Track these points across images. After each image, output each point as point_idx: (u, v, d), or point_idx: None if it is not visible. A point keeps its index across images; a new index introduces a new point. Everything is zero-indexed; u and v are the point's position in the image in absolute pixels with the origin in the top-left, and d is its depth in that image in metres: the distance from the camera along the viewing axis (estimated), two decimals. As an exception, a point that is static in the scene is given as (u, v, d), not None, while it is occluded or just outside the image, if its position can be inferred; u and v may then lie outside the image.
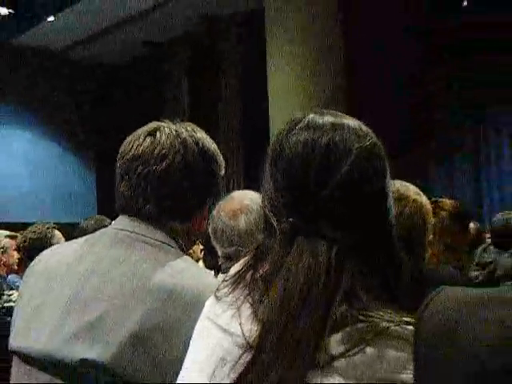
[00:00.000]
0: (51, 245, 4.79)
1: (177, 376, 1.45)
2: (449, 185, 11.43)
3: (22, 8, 12.04)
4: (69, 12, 12.49)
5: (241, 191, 2.90)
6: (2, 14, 11.92)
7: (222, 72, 13.70)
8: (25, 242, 4.95)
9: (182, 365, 1.45)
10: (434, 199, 3.50)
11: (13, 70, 14.77)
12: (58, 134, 15.90)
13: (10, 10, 11.91)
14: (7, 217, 12.48)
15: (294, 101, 9.41)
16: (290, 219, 1.32)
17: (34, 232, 4.89)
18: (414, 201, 2.57)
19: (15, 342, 1.87)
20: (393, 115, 10.97)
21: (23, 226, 6.09)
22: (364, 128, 1.38)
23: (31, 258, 5.03)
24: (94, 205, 15.75)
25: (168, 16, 13.12)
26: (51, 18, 13.01)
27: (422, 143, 11.41)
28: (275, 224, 1.35)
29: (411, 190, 2.61)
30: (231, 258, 2.77)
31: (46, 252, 2.08)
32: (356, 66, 10.62)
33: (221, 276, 2.69)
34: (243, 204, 2.78)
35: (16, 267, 5.67)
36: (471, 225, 6.03)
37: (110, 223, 5.08)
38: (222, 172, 2.02)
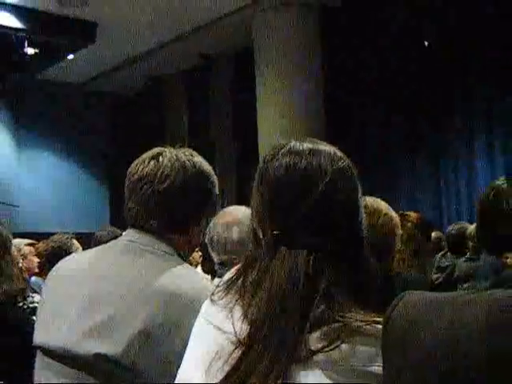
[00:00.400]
0: (70, 252, 4.78)
1: (178, 368, 1.44)
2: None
3: (46, 48, 12.11)
4: (85, 52, 12.54)
5: (233, 206, 2.89)
6: (29, 53, 11.98)
7: (214, 101, 13.74)
8: (47, 249, 4.94)
9: (182, 358, 1.45)
10: (400, 212, 3.52)
11: (38, 102, 14.80)
12: (77, 157, 15.93)
13: (36, 50, 11.98)
14: (33, 227, 12.50)
15: (280, 127, 9.43)
16: (274, 232, 1.32)
17: (55, 241, 4.88)
18: (386, 214, 2.58)
19: (38, 337, 1.89)
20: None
21: (47, 236, 6.08)
22: (338, 153, 1.40)
23: (52, 264, 5.00)
24: (107, 218, 15.75)
25: (168, 54, 13.19)
26: (71, 57, 13.08)
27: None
28: (261, 236, 1.36)
29: (382, 205, 2.62)
30: (225, 265, 2.77)
31: (64, 260, 2.08)
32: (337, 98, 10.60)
33: (216, 280, 2.69)
34: (235, 217, 2.78)
35: (37, 270, 5.65)
36: (433, 234, 6.07)
37: (121, 234, 5.04)
38: (217, 190, 2.02)
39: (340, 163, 1.36)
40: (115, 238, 4.84)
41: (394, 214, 2.65)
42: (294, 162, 1.35)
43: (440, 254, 6.94)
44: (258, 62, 10.09)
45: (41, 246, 5.74)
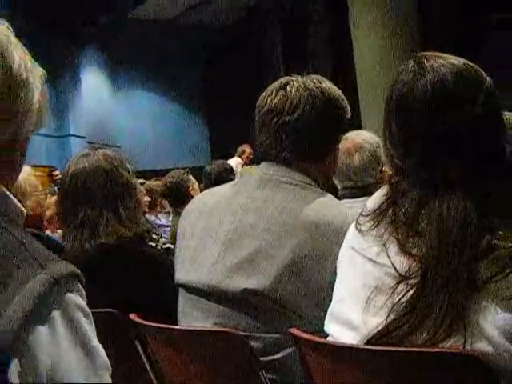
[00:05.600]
0: (188, 187, 4.88)
1: (328, 298, 1.45)
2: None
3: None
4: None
5: (354, 131, 2.85)
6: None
7: (311, 29, 13.48)
8: (165, 185, 5.06)
9: (331, 288, 1.45)
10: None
11: (131, 40, 14.88)
12: (173, 92, 16.02)
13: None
14: (135, 166, 12.66)
15: (376, 42, 9.14)
16: (413, 159, 1.31)
17: (173, 177, 4.98)
18: None
19: (181, 275, 1.91)
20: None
21: (148, 174, 6.16)
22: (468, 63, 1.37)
23: (170, 200, 5.11)
24: (207, 152, 15.87)
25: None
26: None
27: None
28: (400, 163, 1.35)
29: None
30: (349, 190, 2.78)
31: (199, 196, 2.11)
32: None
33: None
34: (356, 143, 2.77)
35: (146, 209, 5.76)
36: None
37: (230, 167, 5.10)
38: (348, 115, 1.97)
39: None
40: (226, 171, 4.94)
41: None
42: (432, 84, 1.31)
43: None
44: None
45: (154, 183, 5.87)
